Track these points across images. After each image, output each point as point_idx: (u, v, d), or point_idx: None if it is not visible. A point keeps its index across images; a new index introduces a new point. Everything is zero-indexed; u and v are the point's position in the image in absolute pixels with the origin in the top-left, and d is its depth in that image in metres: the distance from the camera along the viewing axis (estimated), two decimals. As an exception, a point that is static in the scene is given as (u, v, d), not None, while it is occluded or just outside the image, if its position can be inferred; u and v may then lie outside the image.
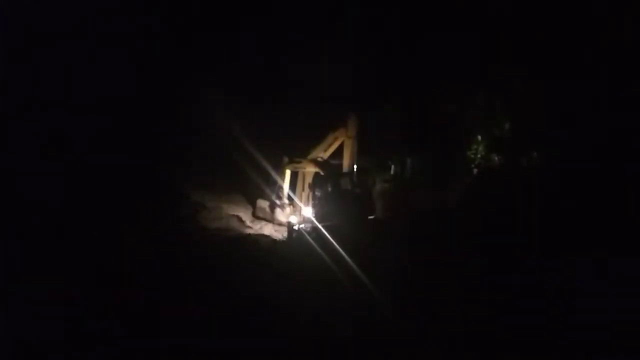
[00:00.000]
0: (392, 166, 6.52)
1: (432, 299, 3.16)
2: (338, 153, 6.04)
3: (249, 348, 2.74)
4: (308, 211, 5.66)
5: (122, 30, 5.69)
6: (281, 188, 5.96)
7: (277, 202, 5.88)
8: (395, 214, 5.68)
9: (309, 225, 5.39)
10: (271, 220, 6.07)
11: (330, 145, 5.99)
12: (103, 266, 3.67)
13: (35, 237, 3.96)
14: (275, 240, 5.32)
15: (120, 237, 4.23)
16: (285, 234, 5.54)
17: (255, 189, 5.94)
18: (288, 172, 5.92)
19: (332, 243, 4.45)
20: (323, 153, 5.91)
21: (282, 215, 5.99)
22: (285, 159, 5.86)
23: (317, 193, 5.96)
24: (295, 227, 5.52)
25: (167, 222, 4.75)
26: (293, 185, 5.88)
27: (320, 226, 5.09)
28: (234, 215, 5.78)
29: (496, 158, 5.45)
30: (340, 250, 4.21)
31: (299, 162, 5.80)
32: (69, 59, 5.56)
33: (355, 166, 6.13)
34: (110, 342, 2.78)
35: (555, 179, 4.69)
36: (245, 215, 5.97)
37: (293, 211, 5.74)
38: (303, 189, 6.00)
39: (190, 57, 6.19)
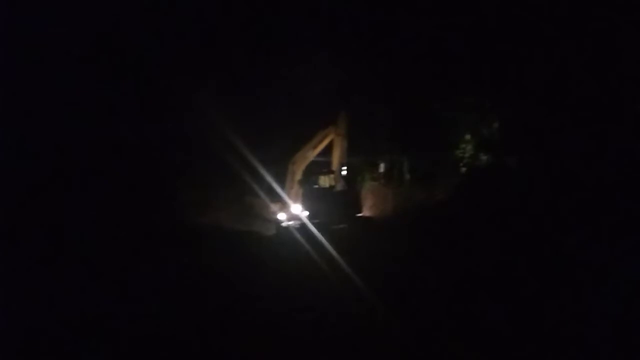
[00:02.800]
0: (382, 164, 6.54)
1: (413, 291, 3.19)
2: (328, 151, 6.04)
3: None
4: (296, 208, 5.67)
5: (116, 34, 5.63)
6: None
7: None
8: (383, 211, 5.69)
9: (297, 221, 5.40)
10: (260, 216, 6.07)
11: (319, 143, 5.98)
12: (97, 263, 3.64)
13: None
14: (264, 236, 5.32)
15: (113, 231, 4.19)
16: (274, 231, 5.53)
17: (245, 186, 5.91)
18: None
19: (318, 239, 4.45)
20: (312, 151, 5.90)
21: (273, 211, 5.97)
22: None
23: (306, 190, 5.97)
24: (283, 224, 5.52)
25: (156, 217, 4.72)
26: (281, 183, 5.87)
27: (307, 223, 5.08)
28: (222, 211, 5.76)
29: (484, 157, 5.47)
30: (326, 246, 4.22)
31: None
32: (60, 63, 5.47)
33: (344, 164, 6.14)
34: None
35: (542, 178, 4.72)
36: (234, 211, 5.95)
37: (281, 208, 5.74)
38: (292, 187, 6.00)
39: (177, 56, 6.15)
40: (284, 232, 5.15)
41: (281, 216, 5.49)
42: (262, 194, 5.90)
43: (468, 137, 5.66)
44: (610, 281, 3.03)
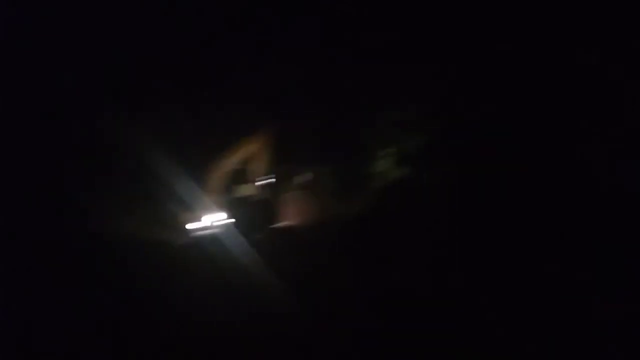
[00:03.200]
0: (304, 175, 6.45)
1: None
2: (251, 160, 5.90)
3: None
4: (214, 216, 5.46)
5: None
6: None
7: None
8: (302, 221, 5.61)
9: (213, 230, 5.20)
10: (175, 225, 5.79)
11: (243, 152, 5.82)
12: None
13: None
14: (177, 246, 5.05)
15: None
16: (189, 240, 5.28)
17: (161, 193, 5.61)
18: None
19: (236, 250, 4.33)
20: (236, 159, 5.73)
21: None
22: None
23: (226, 199, 5.79)
24: (199, 233, 5.29)
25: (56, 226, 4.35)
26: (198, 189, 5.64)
27: (224, 231, 4.93)
28: (131, 218, 5.41)
29: (404, 171, 5.49)
30: (243, 258, 4.12)
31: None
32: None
33: (269, 173, 6.02)
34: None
35: (462, 194, 4.82)
36: (144, 219, 5.63)
37: (199, 216, 5.50)
38: (212, 194, 5.78)
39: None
40: (199, 241, 4.95)
41: (198, 224, 5.26)
42: (179, 202, 5.64)
43: (388, 150, 5.68)
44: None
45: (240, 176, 5.21)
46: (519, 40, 3.78)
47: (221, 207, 4.89)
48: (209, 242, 4.33)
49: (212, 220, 4.80)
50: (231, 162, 5.18)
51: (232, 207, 4.83)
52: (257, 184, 5.08)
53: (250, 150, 5.24)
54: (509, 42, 3.78)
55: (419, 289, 3.34)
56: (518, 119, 3.78)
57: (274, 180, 5.45)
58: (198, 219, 4.99)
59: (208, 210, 5.00)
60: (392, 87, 5.03)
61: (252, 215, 4.78)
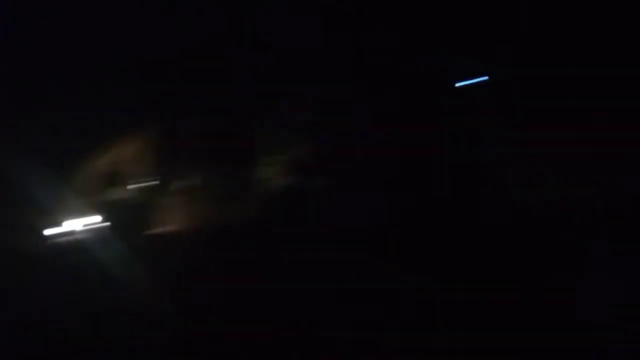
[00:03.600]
0: (189, 179, 6.23)
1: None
2: (133, 161, 5.59)
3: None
4: (86, 220, 5.05)
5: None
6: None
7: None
8: (183, 227, 5.40)
9: (83, 234, 4.81)
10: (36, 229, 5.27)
11: (124, 152, 5.50)
12: None
13: None
14: (36, 251, 4.57)
15: None
16: (53, 245, 4.81)
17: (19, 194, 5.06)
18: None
19: (108, 254, 4.04)
20: (115, 159, 5.40)
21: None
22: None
23: (102, 201, 5.40)
24: (65, 238, 4.84)
25: None
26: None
27: (98, 236, 4.60)
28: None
29: (291, 178, 5.48)
30: (115, 262, 3.85)
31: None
32: None
33: (153, 176, 5.71)
34: None
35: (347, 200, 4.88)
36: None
37: (64, 219, 5.03)
38: (84, 196, 5.36)
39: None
40: (65, 245, 4.54)
41: (65, 228, 4.80)
42: (43, 204, 5.12)
43: (278, 157, 5.66)
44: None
45: (119, 178, 4.88)
46: (397, 51, 3.96)
47: (96, 210, 4.54)
48: (77, 246, 4.00)
49: (85, 223, 4.44)
50: (109, 162, 4.85)
51: (108, 209, 4.50)
52: (138, 186, 4.80)
53: (132, 151, 4.94)
54: (391, 52, 3.95)
55: (306, 293, 3.30)
56: (407, 124, 3.93)
57: (157, 183, 5.18)
58: (66, 222, 4.59)
59: (81, 212, 4.61)
60: (283, 96, 5.03)
61: (129, 219, 4.49)
